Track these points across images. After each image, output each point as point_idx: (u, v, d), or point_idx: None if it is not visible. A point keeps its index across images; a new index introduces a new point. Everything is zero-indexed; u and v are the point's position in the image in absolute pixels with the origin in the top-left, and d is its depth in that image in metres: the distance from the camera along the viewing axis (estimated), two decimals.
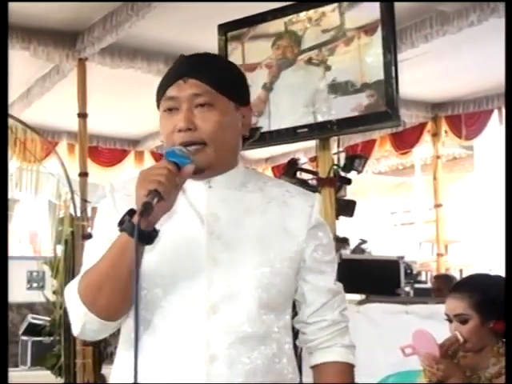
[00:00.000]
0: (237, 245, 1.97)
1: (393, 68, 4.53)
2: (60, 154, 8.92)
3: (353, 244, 8.63)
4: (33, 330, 11.57)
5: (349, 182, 5.18)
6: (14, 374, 11.27)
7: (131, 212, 1.80)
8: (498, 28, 4.89)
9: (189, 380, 1.88)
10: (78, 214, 7.37)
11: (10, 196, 11.16)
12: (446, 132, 10.16)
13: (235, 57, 5.13)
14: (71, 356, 7.18)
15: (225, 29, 5.24)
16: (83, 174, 7.60)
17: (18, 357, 12.19)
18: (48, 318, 8.15)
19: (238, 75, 2.12)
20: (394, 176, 16.00)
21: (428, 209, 12.29)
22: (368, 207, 14.36)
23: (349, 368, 2.09)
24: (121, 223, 1.81)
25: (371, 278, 5.37)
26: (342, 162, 5.20)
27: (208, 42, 5.41)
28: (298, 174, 5.43)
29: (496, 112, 9.45)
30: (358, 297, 5.27)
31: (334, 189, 5.03)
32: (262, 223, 2.01)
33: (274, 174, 11.85)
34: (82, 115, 7.64)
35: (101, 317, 1.90)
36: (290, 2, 5.13)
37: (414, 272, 8.28)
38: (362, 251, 8.58)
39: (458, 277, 8.95)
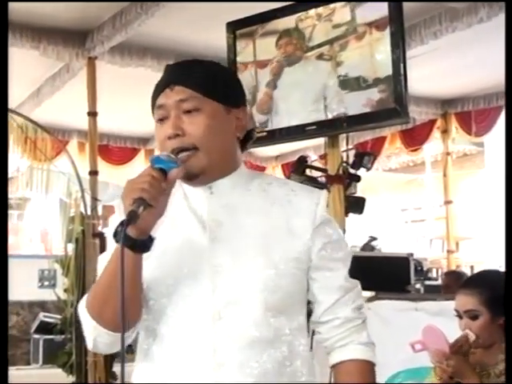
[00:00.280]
0: (240, 249, 1.96)
1: (401, 65, 4.53)
2: (70, 153, 8.95)
3: (362, 241, 8.63)
4: (44, 328, 11.61)
5: (358, 179, 5.18)
6: (25, 372, 11.35)
7: (123, 222, 1.80)
8: None
9: None
10: (89, 213, 7.38)
11: (20, 195, 11.22)
12: (456, 129, 10.12)
13: (246, 54, 5.13)
14: (82, 354, 7.19)
15: (233, 27, 5.24)
16: (93, 173, 7.62)
17: (29, 355, 12.24)
18: (59, 316, 8.17)
19: (228, 78, 2.12)
20: (404, 173, 15.99)
21: (438, 206, 12.27)
22: (379, 204, 14.36)
23: (368, 366, 2.04)
24: (115, 234, 1.83)
25: (381, 275, 5.36)
26: (350, 160, 5.21)
27: (217, 39, 5.44)
28: (308, 172, 5.44)
29: None
30: (367, 294, 5.27)
31: (342, 186, 5.03)
32: (265, 225, 1.99)
33: (283, 172, 11.85)
34: (92, 114, 7.65)
35: (109, 329, 1.91)
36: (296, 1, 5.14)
37: (425, 269, 8.28)
38: (372, 248, 8.58)
39: (468, 273, 8.92)
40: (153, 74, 7.87)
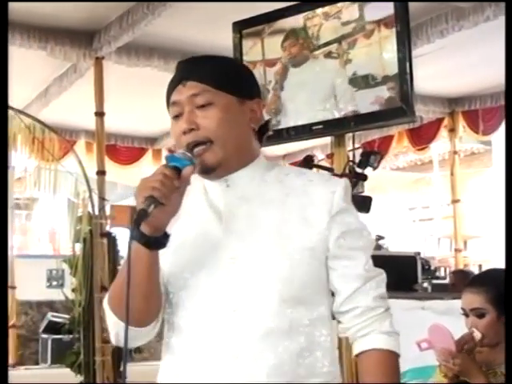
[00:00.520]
0: (255, 240, 1.97)
1: (407, 64, 4.52)
2: (78, 153, 8.97)
3: None
4: (53, 327, 11.63)
5: (365, 177, 5.17)
6: (34, 372, 11.37)
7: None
8: None
9: (214, 378, 1.91)
10: (96, 213, 7.39)
11: (28, 195, 11.26)
12: (463, 127, 10.11)
13: (255, 52, 5.13)
14: (90, 354, 7.21)
15: (239, 27, 5.25)
16: (101, 173, 7.63)
17: (38, 355, 12.26)
18: (67, 316, 8.20)
19: (240, 70, 2.14)
20: (412, 172, 15.98)
21: (446, 204, 12.26)
22: (386, 203, 14.36)
23: (390, 356, 2.01)
24: (131, 231, 1.85)
25: (388, 274, 5.35)
26: (357, 159, 5.20)
27: (223, 39, 5.44)
28: (314, 171, 5.44)
29: None
30: None
31: None
32: (280, 216, 2.00)
33: None
34: (100, 114, 7.67)
35: (130, 324, 1.91)
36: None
37: (432, 268, 8.27)
38: (379, 247, 8.58)
39: (476, 272, 8.91)
40: (159, 74, 7.88)
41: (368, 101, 4.74)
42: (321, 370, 1.96)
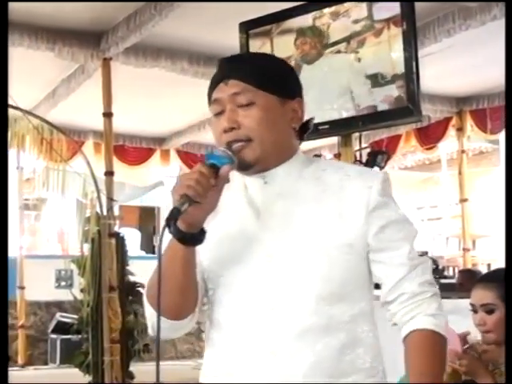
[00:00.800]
0: (292, 238, 1.97)
1: (414, 63, 4.52)
2: (87, 153, 9.00)
3: None
4: (61, 328, 11.69)
5: None
6: (43, 371, 11.41)
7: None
8: None
9: (253, 375, 1.92)
10: (105, 213, 7.41)
11: (37, 196, 11.29)
12: (471, 126, 10.09)
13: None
14: (99, 353, 7.22)
15: (246, 27, 5.25)
16: (109, 173, 7.63)
17: (47, 355, 12.31)
18: (76, 316, 8.22)
19: (282, 70, 2.13)
20: (420, 171, 15.96)
21: (455, 204, 12.25)
22: None
23: (433, 336, 1.96)
24: (169, 227, 1.86)
25: None
26: (364, 158, 5.21)
27: (231, 39, 5.45)
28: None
29: None
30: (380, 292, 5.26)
31: None
32: (317, 213, 2.00)
33: None
34: (108, 114, 7.68)
35: (166, 317, 1.94)
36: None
37: (440, 267, 8.25)
38: None
39: (484, 272, 8.90)
40: (167, 75, 7.92)
41: (378, 99, 4.74)
42: (362, 366, 1.95)
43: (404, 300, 1.99)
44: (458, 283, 7.62)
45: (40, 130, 8.44)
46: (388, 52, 4.68)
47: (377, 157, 5.16)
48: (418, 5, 4.72)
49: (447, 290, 7.78)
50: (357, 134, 5.26)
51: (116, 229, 7.78)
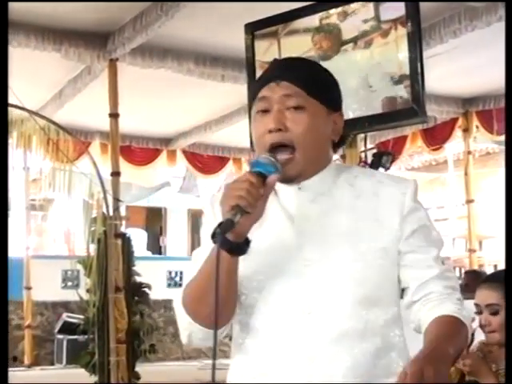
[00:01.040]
0: (327, 243, 1.98)
1: (418, 64, 4.51)
2: (93, 154, 9.03)
3: None
4: (68, 328, 11.72)
5: None
6: (49, 372, 11.44)
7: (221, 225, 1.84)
8: None
9: (291, 380, 1.92)
10: (111, 213, 7.42)
11: (44, 196, 11.31)
12: (477, 127, 10.08)
13: (271, 53, 5.12)
14: (105, 354, 7.24)
15: (251, 28, 5.24)
16: (115, 174, 7.65)
17: (53, 355, 12.34)
18: (82, 317, 8.23)
19: (330, 81, 2.14)
20: (427, 172, 15.95)
21: (461, 204, 12.23)
22: None
23: (453, 319, 1.93)
24: (213, 235, 1.85)
25: None
26: (369, 159, 5.20)
27: (237, 40, 5.45)
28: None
29: None
30: None
31: None
32: (352, 219, 2.01)
33: None
34: (114, 115, 7.70)
35: (204, 326, 1.95)
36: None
37: None
38: None
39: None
40: (173, 76, 7.94)
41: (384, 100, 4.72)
42: (395, 370, 1.91)
43: (430, 298, 1.98)
44: (464, 284, 7.61)
45: (46, 131, 8.45)
46: (396, 52, 4.67)
47: (382, 158, 5.15)
48: (424, 6, 4.72)
49: None
50: (362, 135, 5.25)
51: (122, 229, 7.79)
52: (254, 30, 5.21)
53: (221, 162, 12.08)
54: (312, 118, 2.00)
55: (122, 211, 7.93)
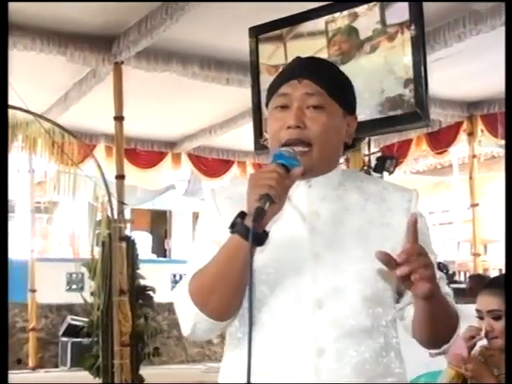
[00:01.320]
0: (338, 241, 1.99)
1: (422, 68, 4.50)
2: (98, 157, 9.05)
3: None
4: (72, 331, 11.72)
5: None
6: (53, 374, 11.45)
7: (242, 214, 1.85)
8: None
9: (298, 374, 1.92)
10: (115, 216, 7.43)
11: (49, 199, 11.32)
12: (482, 131, 10.08)
13: (277, 57, 5.12)
14: (109, 356, 7.25)
15: (256, 32, 5.24)
16: (120, 177, 7.66)
17: (57, 357, 12.35)
18: (87, 319, 8.24)
19: (350, 84, 2.16)
20: (432, 175, 15.91)
21: (466, 208, 12.22)
22: None
23: (448, 301, 1.97)
24: (232, 225, 1.86)
25: None
26: (372, 163, 5.20)
27: (242, 44, 5.45)
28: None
29: None
30: None
31: None
32: (362, 219, 2.03)
33: None
34: (119, 118, 7.71)
35: (212, 317, 1.95)
36: (326, 2, 5.12)
37: (450, 272, 8.24)
38: None
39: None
40: (178, 79, 7.95)
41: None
42: (394, 371, 1.97)
43: None
44: (468, 288, 7.61)
45: (51, 134, 8.47)
46: (402, 55, 4.66)
47: (385, 162, 5.16)
48: (428, 9, 4.71)
49: (456, 295, 7.78)
50: (366, 139, 5.25)
51: (127, 232, 7.80)
52: (258, 33, 5.21)
53: (225, 165, 12.10)
54: (330, 119, 2.02)
55: (127, 214, 7.95)
